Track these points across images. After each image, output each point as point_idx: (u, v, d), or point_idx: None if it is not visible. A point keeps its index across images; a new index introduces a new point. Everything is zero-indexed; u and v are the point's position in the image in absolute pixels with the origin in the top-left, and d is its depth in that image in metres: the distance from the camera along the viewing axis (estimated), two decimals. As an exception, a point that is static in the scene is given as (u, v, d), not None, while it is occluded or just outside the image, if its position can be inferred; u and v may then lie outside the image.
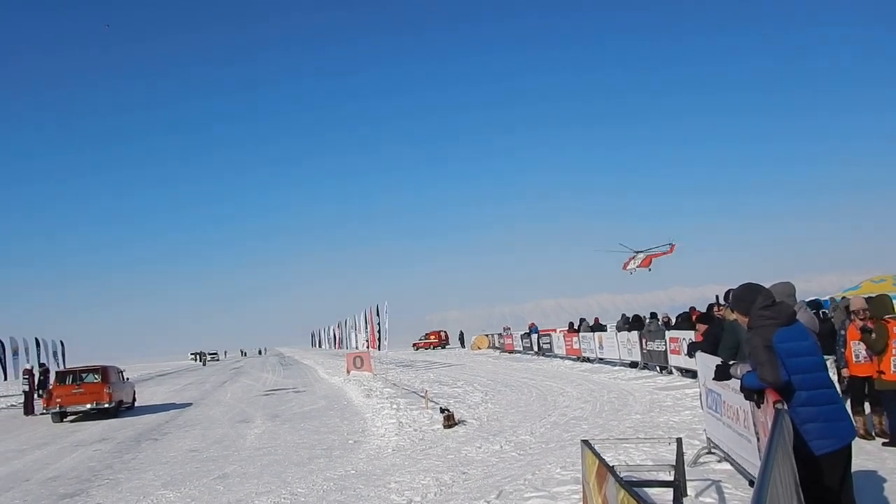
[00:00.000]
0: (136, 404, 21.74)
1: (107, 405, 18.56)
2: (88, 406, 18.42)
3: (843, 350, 8.59)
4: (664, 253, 50.26)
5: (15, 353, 33.86)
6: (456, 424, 12.17)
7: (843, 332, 8.70)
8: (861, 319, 8.52)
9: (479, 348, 48.46)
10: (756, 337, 4.26)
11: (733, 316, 6.82)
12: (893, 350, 8.07)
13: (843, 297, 14.24)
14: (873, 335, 8.11)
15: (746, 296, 4.49)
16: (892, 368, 8.06)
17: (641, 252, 50.76)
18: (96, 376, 19.15)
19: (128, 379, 22.05)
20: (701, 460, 7.66)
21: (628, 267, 51.64)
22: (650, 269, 51.00)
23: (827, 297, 24.73)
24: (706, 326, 8.86)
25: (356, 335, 38.41)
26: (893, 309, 8.69)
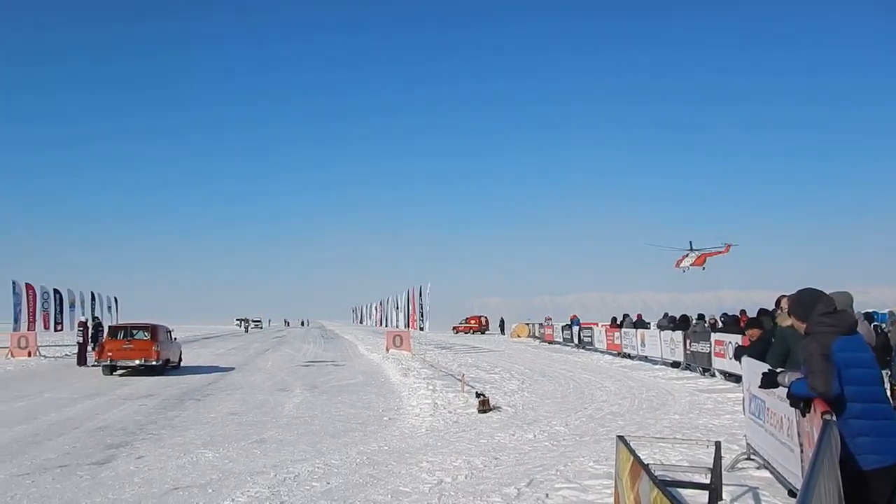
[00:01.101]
0: (182, 364, 22.36)
1: (154, 362, 19.16)
2: (137, 362, 19.04)
3: None
4: (719, 252, 49.25)
5: (72, 306, 35.20)
6: (491, 410, 12.19)
7: None
8: None
9: (519, 336, 48.38)
10: (813, 343, 4.13)
11: (786, 322, 6.66)
12: None
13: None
14: None
15: (807, 301, 4.35)
16: None
17: (696, 250, 49.80)
18: (146, 334, 19.78)
19: (175, 339, 22.68)
20: (739, 465, 7.51)
21: (682, 264, 50.77)
22: (704, 268, 50.08)
23: (885, 311, 23.87)
24: (755, 331, 8.66)
25: (397, 314, 38.74)
26: None
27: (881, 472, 3.97)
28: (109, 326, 25.78)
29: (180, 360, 22.40)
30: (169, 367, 20.62)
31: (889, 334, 13.23)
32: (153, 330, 19.99)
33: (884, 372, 8.27)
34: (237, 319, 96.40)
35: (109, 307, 41.15)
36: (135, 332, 19.97)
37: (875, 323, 15.80)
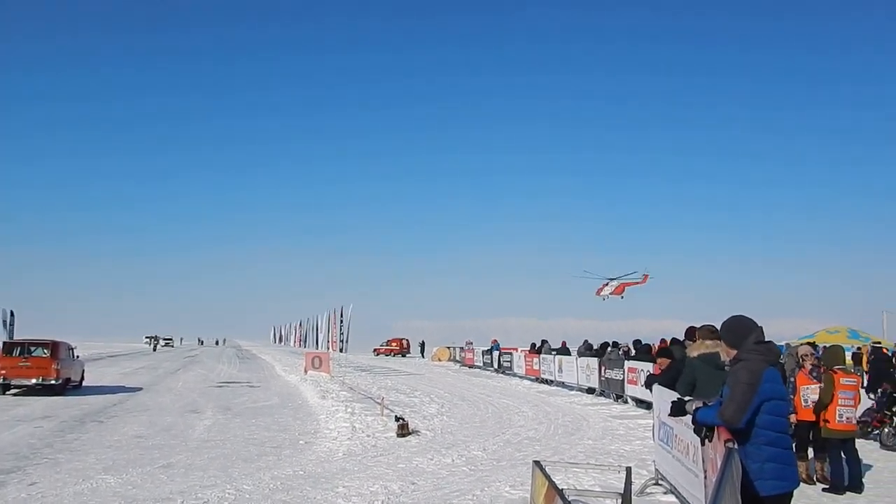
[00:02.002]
0: (85, 384, 21.24)
1: (53, 382, 18.11)
2: (34, 381, 17.94)
3: (792, 396, 8.77)
4: (637, 283, 51.01)
5: (-38, 320, 32.87)
6: (410, 434, 12.12)
7: (792, 378, 8.90)
8: (812, 364, 8.77)
9: (440, 360, 48.41)
10: (744, 371, 4.24)
11: (695, 353, 6.96)
12: (839, 400, 8.30)
13: (800, 344, 14.54)
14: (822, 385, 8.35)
15: (740, 329, 4.47)
16: (837, 418, 8.28)
17: (615, 280, 51.43)
18: (45, 351, 18.67)
19: (78, 357, 21.56)
20: (648, 490, 7.74)
21: (602, 293, 52.27)
22: (622, 297, 51.72)
23: (783, 343, 25.28)
24: (665, 360, 8.99)
25: (318, 335, 38.10)
26: (845, 360, 8.93)
27: (781, 498, 4.19)
28: (4, 342, 24.17)
29: (82, 379, 21.27)
30: (70, 387, 19.54)
31: (784, 365, 14.02)
32: (53, 347, 18.88)
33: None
34: (146, 337, 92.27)
35: (4, 322, 38.64)
36: (33, 348, 18.81)
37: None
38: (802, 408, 8.67)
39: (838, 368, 8.49)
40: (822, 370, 8.68)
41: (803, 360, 8.95)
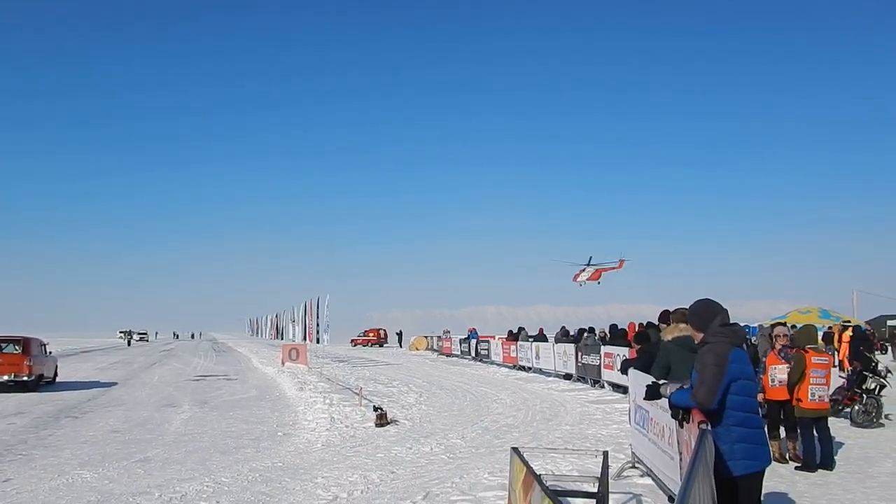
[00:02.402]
0: (58, 380, 20.94)
1: (26, 378, 17.82)
2: (5, 378, 17.63)
3: (762, 376, 8.93)
4: (613, 268, 51.47)
5: (-70, 317, 32.20)
6: (388, 424, 12.14)
7: (765, 359, 9.06)
8: (782, 345, 8.93)
9: (418, 349, 48.47)
10: (710, 354, 4.35)
11: (669, 336, 7.05)
12: (811, 379, 8.47)
13: (771, 325, 14.80)
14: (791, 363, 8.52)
15: (706, 313, 4.58)
16: (810, 397, 8.46)
17: (592, 266, 51.82)
18: (17, 347, 18.35)
19: (51, 353, 21.21)
20: (625, 474, 7.85)
21: (579, 279, 52.66)
22: (599, 283, 52.18)
23: (755, 325, 25.71)
24: (641, 345, 9.10)
25: (294, 326, 37.92)
26: (817, 340, 9.11)
27: (753, 477, 4.29)
28: (-26, 339, 23.73)
29: (56, 375, 20.95)
30: (42, 383, 19.23)
31: (758, 346, 14.29)
32: (25, 343, 18.56)
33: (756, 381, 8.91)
34: (121, 332, 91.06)
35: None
36: (3, 345, 18.47)
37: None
38: (770, 387, 8.85)
39: (810, 348, 8.65)
40: (793, 350, 8.84)
41: (776, 339, 9.12)
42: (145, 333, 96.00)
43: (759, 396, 8.89)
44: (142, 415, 13.84)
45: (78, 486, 7.69)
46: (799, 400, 8.51)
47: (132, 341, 77.01)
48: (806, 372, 8.45)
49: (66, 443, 10.54)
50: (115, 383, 21.36)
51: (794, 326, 14.88)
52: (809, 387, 8.45)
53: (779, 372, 8.77)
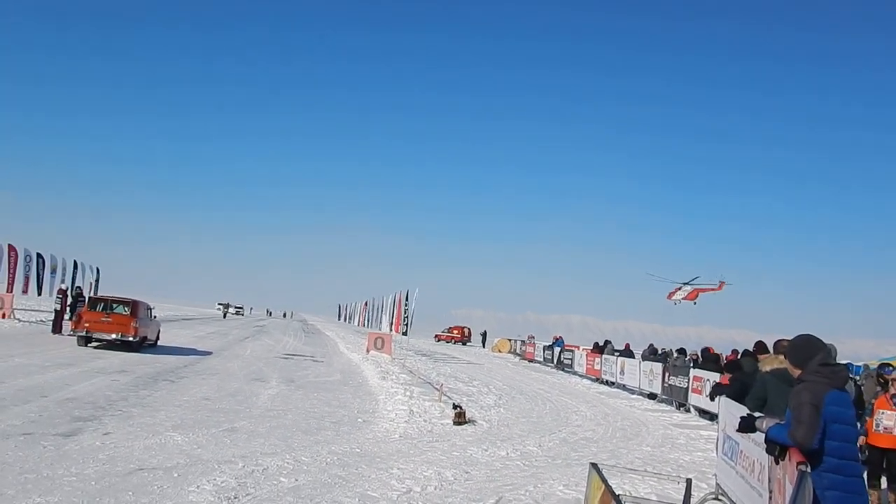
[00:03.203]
0: (159, 343, 22.19)
1: (131, 339, 18.97)
2: (114, 336, 18.83)
3: (867, 418, 8.34)
4: (713, 289, 49.38)
5: (53, 272, 34.88)
6: (466, 423, 12.15)
7: (873, 400, 8.45)
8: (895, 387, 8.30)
9: (500, 351, 48.36)
10: (806, 392, 4.12)
11: (767, 367, 6.69)
12: None
13: (880, 365, 13.79)
14: None
15: (807, 349, 4.35)
16: None
17: (689, 284, 49.91)
18: (126, 309, 19.59)
19: (155, 317, 22.49)
20: (707, 505, 7.51)
21: (674, 297, 50.87)
22: (695, 303, 50.20)
23: (860, 364, 24.04)
24: (732, 374, 8.69)
25: (382, 316, 38.63)
26: None
27: None
28: (89, 297, 25.55)
29: (158, 338, 22.23)
30: (146, 345, 20.45)
31: (863, 388, 13.33)
32: (133, 305, 19.80)
33: (858, 426, 8.31)
34: (219, 304, 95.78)
35: (91, 277, 40.82)
36: (115, 305, 19.77)
37: (850, 375, 15.90)
38: (873, 431, 8.24)
39: None
40: None
41: (892, 384, 8.48)
42: (241, 307, 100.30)
43: (861, 440, 8.32)
44: (233, 386, 14.47)
45: (169, 447, 8.12)
46: None
47: (227, 314, 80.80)
48: None
49: (161, 405, 11.15)
50: (210, 353, 22.44)
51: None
52: None
53: (886, 418, 8.15)
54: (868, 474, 8.36)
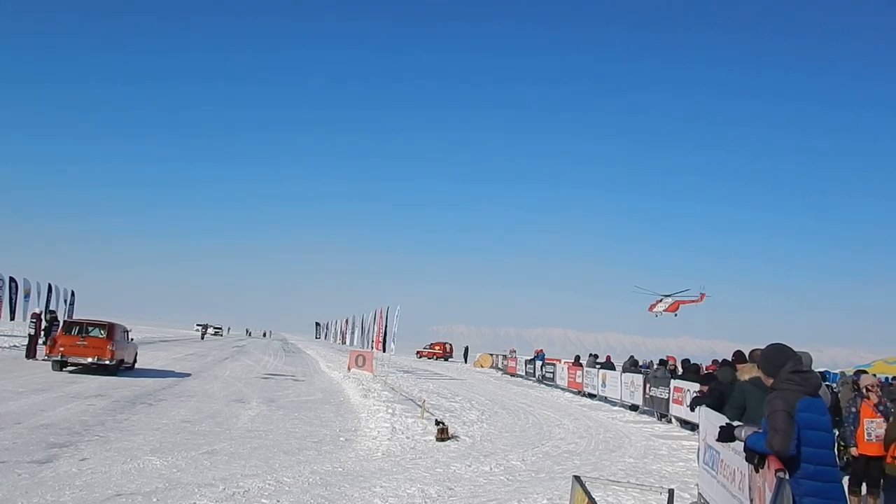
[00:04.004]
0: (137, 366, 21.88)
1: (108, 362, 18.70)
2: (90, 360, 18.55)
3: (853, 428, 8.43)
4: (694, 301, 49.65)
5: (26, 295, 34.29)
6: (449, 439, 12.10)
7: (854, 409, 8.55)
8: (877, 396, 8.41)
9: (482, 366, 48.27)
10: (779, 400, 4.18)
11: (746, 377, 6.76)
12: None
13: (856, 372, 13.99)
14: (891, 418, 7.99)
15: (777, 357, 4.42)
16: None
17: (670, 297, 50.16)
18: (102, 331, 19.31)
19: (132, 339, 22.21)
20: (690, 515, 7.55)
21: (655, 309, 51.07)
22: (676, 315, 50.42)
23: (837, 371, 24.36)
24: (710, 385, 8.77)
25: (362, 333, 38.44)
26: None
27: None
28: (64, 321, 25.14)
29: (135, 361, 21.92)
30: (123, 368, 20.15)
31: (839, 395, 13.51)
32: (109, 328, 19.53)
33: (834, 432, 8.41)
34: (198, 325, 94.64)
35: (65, 301, 40.15)
36: (90, 328, 19.49)
37: (826, 383, 16.11)
38: (864, 441, 8.33)
39: None
40: (889, 404, 8.32)
41: (867, 391, 8.60)
42: (220, 328, 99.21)
43: (853, 451, 8.40)
44: (212, 407, 14.29)
45: (148, 471, 7.99)
46: (894, 458, 7.97)
47: (205, 335, 79.70)
48: None
49: (139, 428, 10.98)
50: (188, 374, 22.16)
51: (886, 378, 14.02)
52: None
53: (876, 426, 8.26)
54: (850, 481, 8.46)
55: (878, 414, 8.30)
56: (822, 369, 21.04)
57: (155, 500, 6.76)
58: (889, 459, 8.04)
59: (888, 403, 8.36)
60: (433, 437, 12.00)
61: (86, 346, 18.73)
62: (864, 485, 8.55)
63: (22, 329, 28.64)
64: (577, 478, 5.27)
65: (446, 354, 60.77)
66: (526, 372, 36.50)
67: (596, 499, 4.85)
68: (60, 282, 41.47)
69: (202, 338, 72.43)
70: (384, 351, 31.55)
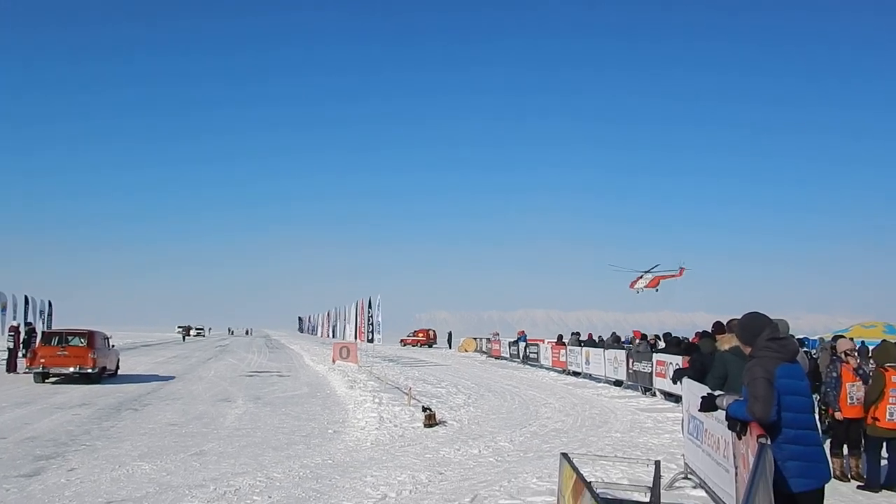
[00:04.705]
0: (120, 373, 21.69)
1: (90, 370, 18.51)
2: (72, 369, 18.35)
3: (835, 392, 8.62)
4: (673, 275, 50.21)
5: (3, 309, 33.69)
6: (437, 424, 12.19)
7: (835, 373, 8.73)
8: (856, 360, 8.61)
9: (466, 351, 48.49)
10: (758, 368, 4.25)
11: (726, 346, 6.89)
12: (890, 398, 8.12)
13: (834, 338, 14.27)
14: (870, 381, 8.19)
15: (754, 325, 4.48)
16: (888, 416, 8.10)
17: (649, 272, 50.66)
18: (82, 340, 19.09)
19: (113, 346, 22.00)
20: (677, 485, 7.70)
21: (636, 286, 51.55)
22: (657, 290, 50.95)
23: (816, 338, 24.85)
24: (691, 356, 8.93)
25: (346, 325, 38.38)
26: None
27: (808, 495, 4.15)
28: (43, 332, 24.78)
29: (117, 368, 21.72)
30: (105, 376, 19.96)
31: (819, 360, 13.80)
32: (90, 336, 19.30)
33: (813, 397, 8.59)
34: (179, 327, 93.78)
35: (42, 311, 39.51)
36: (70, 338, 19.24)
37: (805, 349, 16.43)
38: (847, 405, 8.53)
39: (889, 366, 8.31)
40: (867, 367, 8.53)
41: (846, 355, 8.79)
42: (202, 329, 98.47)
43: (838, 415, 8.59)
44: (198, 408, 14.23)
45: (137, 477, 7.96)
46: (875, 419, 8.17)
47: (186, 336, 79.03)
48: (885, 391, 8.12)
49: (126, 434, 10.92)
50: (172, 377, 22.01)
51: (862, 342, 14.32)
52: (888, 406, 8.11)
53: (857, 389, 8.45)
54: (832, 443, 8.68)
55: (858, 378, 8.50)
56: (801, 336, 21.43)
57: (146, 504, 6.75)
58: (870, 421, 8.26)
59: (865, 367, 8.57)
60: (421, 424, 12.07)
61: (67, 355, 18.51)
62: (845, 446, 8.76)
63: (0, 343, 28.17)
64: (564, 455, 5.36)
65: (430, 341, 60.92)
66: (510, 354, 36.75)
67: (584, 474, 4.94)
68: (36, 293, 40.82)
69: (183, 340, 71.83)
70: (369, 342, 31.55)
